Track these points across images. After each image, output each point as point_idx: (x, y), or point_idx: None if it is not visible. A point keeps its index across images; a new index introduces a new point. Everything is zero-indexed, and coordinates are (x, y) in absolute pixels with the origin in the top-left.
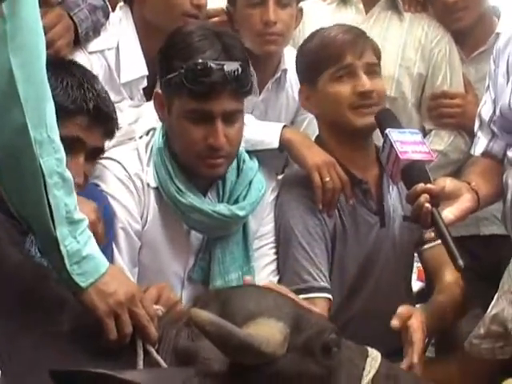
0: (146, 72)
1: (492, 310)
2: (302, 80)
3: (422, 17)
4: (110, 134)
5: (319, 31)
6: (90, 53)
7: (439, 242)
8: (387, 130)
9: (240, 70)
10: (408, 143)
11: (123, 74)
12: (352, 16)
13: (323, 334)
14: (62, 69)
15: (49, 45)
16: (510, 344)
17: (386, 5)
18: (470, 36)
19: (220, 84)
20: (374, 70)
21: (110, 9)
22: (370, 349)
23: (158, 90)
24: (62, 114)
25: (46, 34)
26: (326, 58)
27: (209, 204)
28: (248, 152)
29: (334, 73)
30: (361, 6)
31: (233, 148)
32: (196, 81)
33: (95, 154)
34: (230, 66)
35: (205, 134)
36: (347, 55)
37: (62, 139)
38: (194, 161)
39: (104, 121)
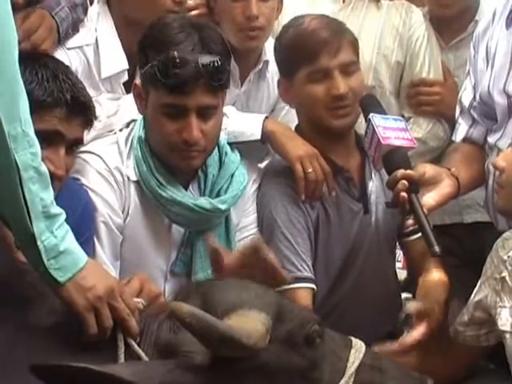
0: (126, 66)
1: (475, 296)
2: (280, 72)
3: (399, 4)
4: (88, 124)
5: (296, 21)
6: (69, 49)
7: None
8: (371, 115)
9: (216, 63)
10: (391, 129)
11: (104, 69)
12: (329, 5)
13: (306, 325)
14: (35, 62)
15: (34, 47)
16: (494, 330)
17: None
18: (450, 23)
19: (194, 78)
20: (349, 69)
21: (89, 3)
22: (354, 339)
23: (136, 81)
24: (40, 107)
25: (29, 36)
26: (301, 56)
27: (190, 197)
28: (229, 144)
29: (309, 74)
30: None
31: (209, 142)
32: (169, 74)
33: (75, 145)
34: (205, 59)
35: (179, 129)
36: (321, 56)
37: (41, 133)
38: (168, 153)
39: (82, 111)
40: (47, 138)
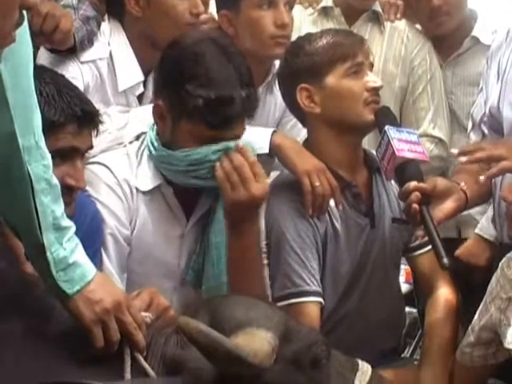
0: (142, 78)
1: (480, 318)
2: (301, 80)
3: (402, 27)
4: (97, 130)
5: (313, 35)
6: (82, 63)
7: (429, 247)
8: (386, 127)
9: (253, 95)
10: (405, 142)
11: (120, 82)
12: (333, 27)
13: (313, 346)
14: (35, 80)
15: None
16: (502, 349)
17: (367, 17)
18: (447, 40)
19: (237, 114)
20: (372, 70)
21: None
22: (360, 362)
23: (159, 102)
24: (53, 126)
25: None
26: (339, 55)
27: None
28: None
29: (348, 69)
30: (342, 19)
31: None
32: (215, 113)
33: (86, 152)
34: (245, 93)
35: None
36: (359, 53)
37: (58, 151)
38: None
39: (91, 121)
40: (63, 154)
